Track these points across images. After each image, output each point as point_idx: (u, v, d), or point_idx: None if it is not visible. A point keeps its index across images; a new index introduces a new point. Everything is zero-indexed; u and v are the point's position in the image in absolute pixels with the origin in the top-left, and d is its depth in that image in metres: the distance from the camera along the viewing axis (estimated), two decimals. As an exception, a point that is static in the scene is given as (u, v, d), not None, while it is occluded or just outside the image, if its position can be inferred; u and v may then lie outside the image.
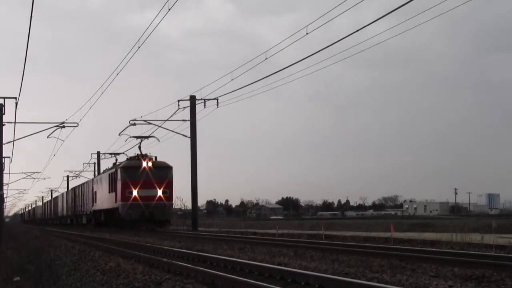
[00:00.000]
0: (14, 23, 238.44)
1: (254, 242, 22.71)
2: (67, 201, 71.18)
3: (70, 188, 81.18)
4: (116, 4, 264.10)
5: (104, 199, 44.78)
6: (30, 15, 19.78)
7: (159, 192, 38.77)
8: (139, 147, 41.54)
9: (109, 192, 42.57)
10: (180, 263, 13.78)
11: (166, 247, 19.44)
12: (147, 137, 41.93)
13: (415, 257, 14.27)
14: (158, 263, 14.56)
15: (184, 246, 20.67)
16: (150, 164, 39.12)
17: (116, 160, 49.05)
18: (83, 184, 59.79)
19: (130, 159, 41.58)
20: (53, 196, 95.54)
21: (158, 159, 40.72)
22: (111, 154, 52.58)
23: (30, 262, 19.35)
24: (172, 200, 40.58)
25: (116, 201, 40.18)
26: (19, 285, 13.65)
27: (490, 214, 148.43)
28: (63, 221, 75.42)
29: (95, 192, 49.25)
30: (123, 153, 48.50)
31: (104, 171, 49.03)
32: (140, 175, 38.80)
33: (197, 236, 30.13)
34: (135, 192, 38.58)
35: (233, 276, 10.78)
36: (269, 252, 17.54)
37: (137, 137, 41.88)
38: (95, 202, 49.19)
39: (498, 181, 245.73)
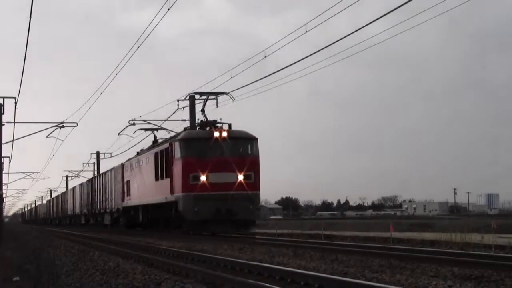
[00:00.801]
0: (13, 22, 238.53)
1: (253, 242, 22.74)
2: (81, 196, 58.57)
3: (71, 185, 78.49)
4: (115, 4, 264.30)
5: (147, 189, 32.34)
6: (29, 14, 19.79)
7: (240, 177, 26.32)
8: (202, 110, 29.32)
9: (157, 179, 30.16)
10: (179, 263, 13.79)
11: (165, 247, 19.46)
12: (215, 94, 29.77)
13: (415, 257, 14.28)
14: (158, 263, 14.57)
15: (184, 246, 20.68)
16: (225, 134, 26.60)
17: (155, 137, 36.37)
18: (105, 173, 47.52)
19: (190, 128, 29.88)
20: (55, 195, 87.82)
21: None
22: (146, 129, 37.30)
23: (30, 262, 19.33)
24: (259, 188, 27.33)
25: (172, 192, 27.50)
26: (18, 285, 13.62)
27: (489, 214, 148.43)
28: (76, 221, 63.90)
29: (128, 181, 37.13)
30: (161, 128, 36.30)
31: (139, 153, 36.32)
32: (212, 152, 26.46)
33: (197, 236, 30.10)
34: (203, 178, 26.01)
35: (233, 276, 10.79)
36: (268, 252, 17.56)
37: (201, 94, 30.35)
38: (128, 195, 37.03)
39: (497, 181, 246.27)
